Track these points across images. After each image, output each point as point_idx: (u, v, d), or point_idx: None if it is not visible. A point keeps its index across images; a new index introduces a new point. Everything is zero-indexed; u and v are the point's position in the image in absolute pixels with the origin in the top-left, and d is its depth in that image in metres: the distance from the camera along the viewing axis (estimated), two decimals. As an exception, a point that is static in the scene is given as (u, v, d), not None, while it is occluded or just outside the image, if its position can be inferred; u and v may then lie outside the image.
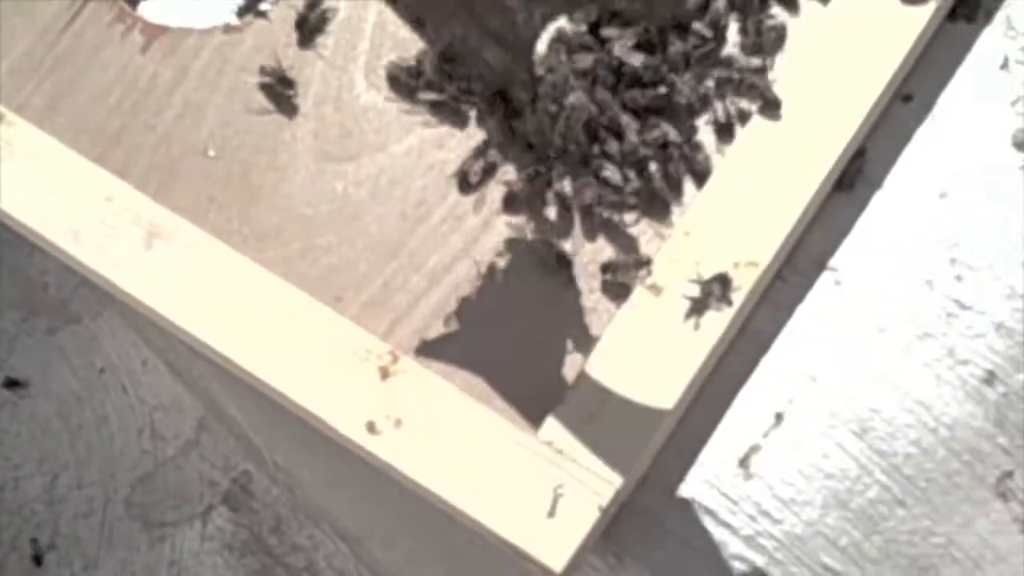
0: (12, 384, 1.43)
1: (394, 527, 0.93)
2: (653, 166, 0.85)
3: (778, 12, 0.88)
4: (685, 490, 0.82)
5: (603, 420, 0.80)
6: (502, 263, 0.86)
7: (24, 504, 1.40)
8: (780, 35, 0.87)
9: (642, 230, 0.85)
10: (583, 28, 0.87)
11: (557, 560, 0.77)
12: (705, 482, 0.82)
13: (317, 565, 1.36)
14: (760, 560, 0.80)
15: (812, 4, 0.88)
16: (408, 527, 0.91)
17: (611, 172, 0.84)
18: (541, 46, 0.87)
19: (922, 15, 0.86)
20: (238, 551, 1.38)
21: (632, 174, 0.85)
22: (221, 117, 0.91)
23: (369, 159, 0.89)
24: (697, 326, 0.81)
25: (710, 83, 0.87)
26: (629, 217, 0.85)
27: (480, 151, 0.87)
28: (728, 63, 0.87)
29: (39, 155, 0.90)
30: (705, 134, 0.86)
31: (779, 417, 0.82)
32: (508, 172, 0.87)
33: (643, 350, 0.81)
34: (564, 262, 0.85)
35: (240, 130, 0.91)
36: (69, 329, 1.44)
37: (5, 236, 0.92)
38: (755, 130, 0.86)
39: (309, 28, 0.91)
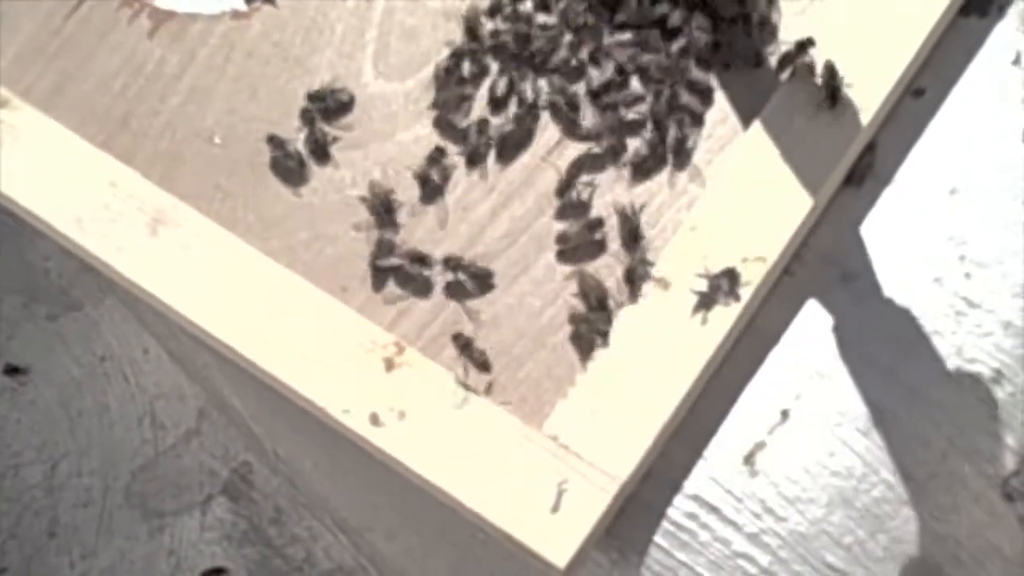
0: (12, 371, 1.43)
1: (396, 519, 0.92)
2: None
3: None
4: (689, 486, 0.81)
5: (608, 415, 0.80)
6: (509, 255, 0.85)
7: (23, 492, 1.40)
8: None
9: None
10: None
11: (561, 556, 0.77)
12: (710, 479, 0.81)
13: (315, 556, 1.37)
14: (764, 558, 0.80)
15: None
16: (410, 519, 0.91)
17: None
18: None
19: (935, 9, 0.86)
20: (237, 541, 1.38)
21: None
22: (228, 104, 0.91)
23: (377, 147, 0.89)
24: (704, 321, 0.81)
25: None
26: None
27: (435, 157, 0.87)
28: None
29: (44, 140, 0.90)
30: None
31: (785, 414, 0.82)
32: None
33: (650, 345, 0.81)
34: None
35: (246, 117, 0.90)
36: (70, 316, 1.44)
37: (7, 222, 0.92)
38: (765, 123, 0.85)
39: None
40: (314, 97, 0.89)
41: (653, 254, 0.83)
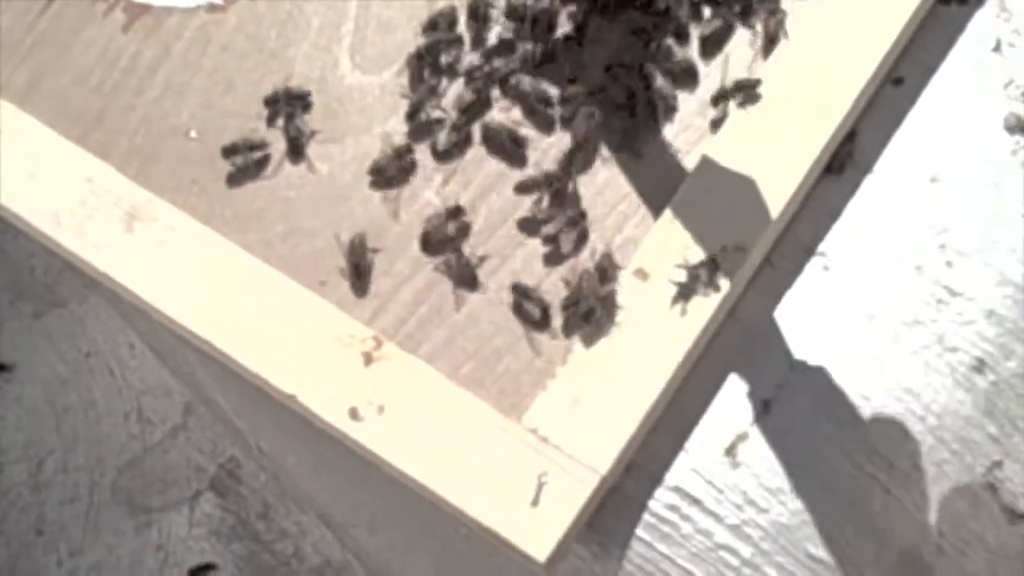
0: (-2, 368, 1.42)
1: (379, 513, 0.92)
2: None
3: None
4: (671, 478, 0.81)
5: (588, 407, 0.79)
6: (487, 247, 0.85)
7: (9, 489, 1.40)
8: None
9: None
10: None
11: (541, 550, 0.77)
12: (691, 470, 0.81)
13: (304, 551, 1.36)
14: (746, 550, 0.79)
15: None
16: (393, 514, 0.90)
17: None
18: None
19: (914, -4, 0.85)
20: (225, 537, 1.38)
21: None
22: (203, 98, 0.90)
23: (353, 141, 0.88)
24: (684, 311, 0.80)
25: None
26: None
27: (400, 153, 0.87)
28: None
29: (18, 136, 0.89)
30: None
31: (767, 405, 0.81)
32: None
33: (629, 336, 0.80)
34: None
35: (223, 111, 0.90)
36: (55, 313, 1.43)
37: (-11, 219, 0.92)
38: (744, 113, 0.84)
39: None
40: (269, 101, 0.88)
41: (632, 245, 0.83)
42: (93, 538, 1.40)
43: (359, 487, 0.92)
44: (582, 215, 0.84)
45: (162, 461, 1.42)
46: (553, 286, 0.83)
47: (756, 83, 0.84)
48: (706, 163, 0.84)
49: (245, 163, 0.87)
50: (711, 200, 0.83)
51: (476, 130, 0.87)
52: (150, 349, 1.01)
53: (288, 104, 0.88)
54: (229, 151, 0.88)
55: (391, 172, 0.86)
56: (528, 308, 0.82)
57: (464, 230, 0.85)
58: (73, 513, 1.41)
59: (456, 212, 0.85)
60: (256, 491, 1.40)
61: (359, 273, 0.84)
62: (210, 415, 1.34)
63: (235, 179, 0.88)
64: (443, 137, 0.86)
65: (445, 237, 0.84)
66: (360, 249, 0.84)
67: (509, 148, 0.86)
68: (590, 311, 0.81)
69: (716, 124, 0.85)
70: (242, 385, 0.85)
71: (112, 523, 1.41)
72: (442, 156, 0.87)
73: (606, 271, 0.82)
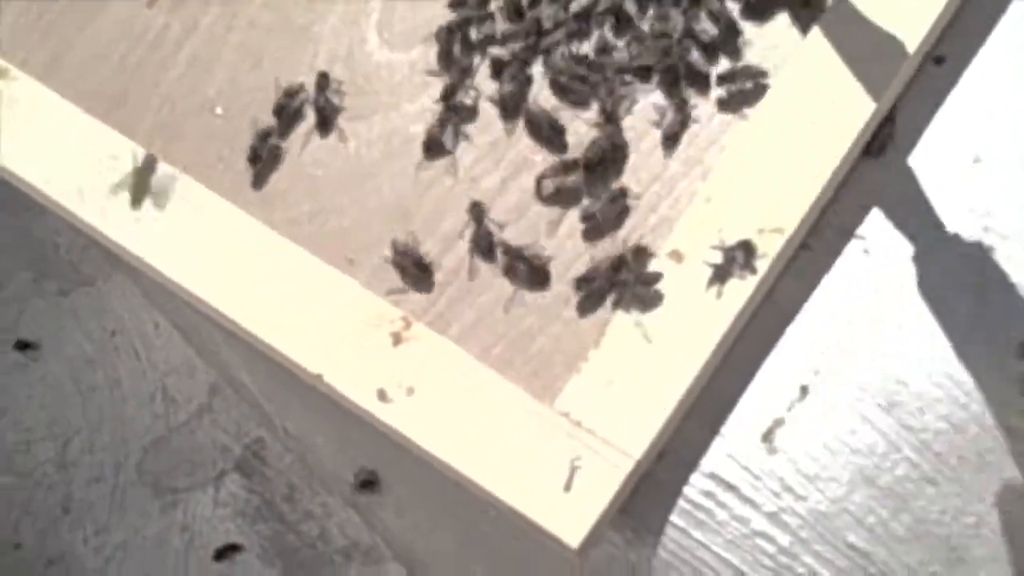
0: (24, 346, 1.42)
1: (405, 495, 0.92)
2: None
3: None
4: (706, 464, 0.80)
5: (622, 391, 0.78)
6: (519, 226, 0.83)
7: (35, 467, 1.40)
8: None
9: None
10: None
11: (574, 536, 0.75)
12: (727, 456, 0.80)
13: (330, 533, 1.36)
14: (784, 538, 0.78)
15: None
16: (419, 496, 0.90)
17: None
18: None
19: (957, -26, 0.83)
20: (251, 518, 1.37)
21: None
22: (230, 73, 0.89)
23: (382, 118, 0.87)
24: (720, 294, 0.79)
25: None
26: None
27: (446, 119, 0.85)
28: None
29: (43, 112, 0.89)
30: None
31: (804, 390, 0.80)
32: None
33: (664, 318, 0.79)
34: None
35: (248, 87, 0.89)
36: (80, 291, 1.43)
37: (15, 196, 0.91)
38: (782, 92, 0.83)
39: None
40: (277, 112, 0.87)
41: (666, 226, 0.81)
42: (119, 518, 1.40)
43: (385, 468, 0.91)
44: (623, 192, 0.82)
45: (187, 441, 1.42)
46: (586, 265, 0.82)
47: (764, 73, 0.83)
48: (743, 142, 0.82)
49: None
50: (748, 181, 0.81)
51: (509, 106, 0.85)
52: (175, 328, 1.01)
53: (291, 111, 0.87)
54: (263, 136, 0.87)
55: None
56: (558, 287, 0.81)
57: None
58: (99, 493, 1.41)
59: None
60: (281, 472, 1.40)
61: (423, 268, 0.82)
62: (236, 396, 1.33)
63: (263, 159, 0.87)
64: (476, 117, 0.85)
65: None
66: (414, 246, 0.83)
67: (548, 134, 0.84)
68: (620, 291, 0.79)
69: (724, 104, 0.83)
70: (269, 366, 0.85)
71: (138, 503, 1.40)
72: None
73: (641, 252, 0.80)
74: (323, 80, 0.87)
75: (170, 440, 1.40)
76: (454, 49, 0.86)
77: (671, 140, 0.83)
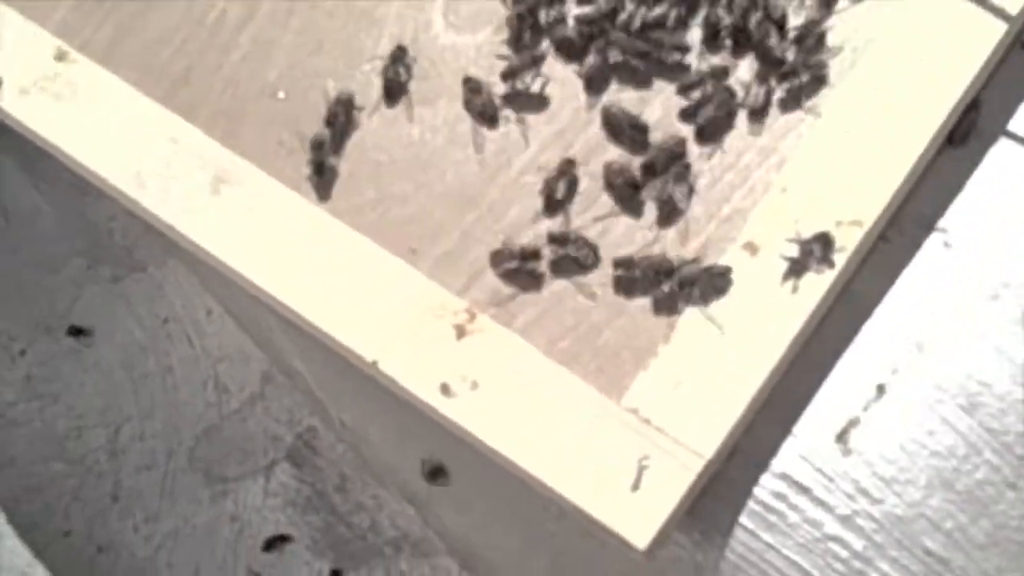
0: (77, 332, 1.42)
1: (466, 491, 0.91)
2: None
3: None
4: (778, 465, 0.78)
5: (692, 388, 0.76)
6: (587, 216, 0.81)
7: (87, 454, 1.40)
8: None
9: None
10: None
11: (642, 537, 0.74)
12: (800, 457, 0.78)
13: (381, 524, 1.35)
14: (858, 542, 0.76)
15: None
16: (479, 492, 0.90)
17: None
18: None
19: (1045, -45, 0.81)
20: (301, 508, 1.37)
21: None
22: (291, 57, 0.88)
23: (447, 103, 0.85)
24: (795, 289, 0.77)
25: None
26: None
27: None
28: None
29: (103, 95, 0.88)
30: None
31: (881, 389, 0.78)
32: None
33: (737, 313, 0.77)
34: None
35: (310, 72, 0.87)
36: (134, 277, 1.43)
37: (71, 180, 0.90)
38: (861, 79, 0.80)
39: None
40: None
41: (740, 216, 0.79)
42: (169, 506, 1.40)
43: (446, 462, 0.91)
44: (686, 166, 0.80)
45: (239, 430, 1.41)
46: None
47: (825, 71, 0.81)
48: (820, 131, 0.80)
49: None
50: (825, 171, 0.79)
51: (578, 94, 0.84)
52: (229, 315, 1.00)
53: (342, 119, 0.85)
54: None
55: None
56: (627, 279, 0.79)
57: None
58: (149, 480, 1.41)
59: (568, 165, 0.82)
60: (333, 463, 1.39)
61: (534, 276, 0.80)
62: (288, 384, 1.33)
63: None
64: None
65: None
66: (515, 248, 0.81)
67: (631, 135, 0.82)
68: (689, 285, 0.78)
69: (785, 104, 0.81)
70: (326, 356, 0.83)
71: (188, 491, 1.40)
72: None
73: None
74: (399, 52, 0.85)
75: (222, 428, 1.40)
76: (525, 36, 0.84)
77: (758, 114, 0.81)
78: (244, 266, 0.83)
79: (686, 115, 0.82)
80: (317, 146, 0.84)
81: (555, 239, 0.80)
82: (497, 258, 0.81)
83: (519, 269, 0.80)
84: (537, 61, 0.84)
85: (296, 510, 1.38)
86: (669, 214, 0.80)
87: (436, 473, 0.91)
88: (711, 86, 0.81)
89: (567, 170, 0.81)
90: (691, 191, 0.80)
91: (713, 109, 0.81)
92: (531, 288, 0.80)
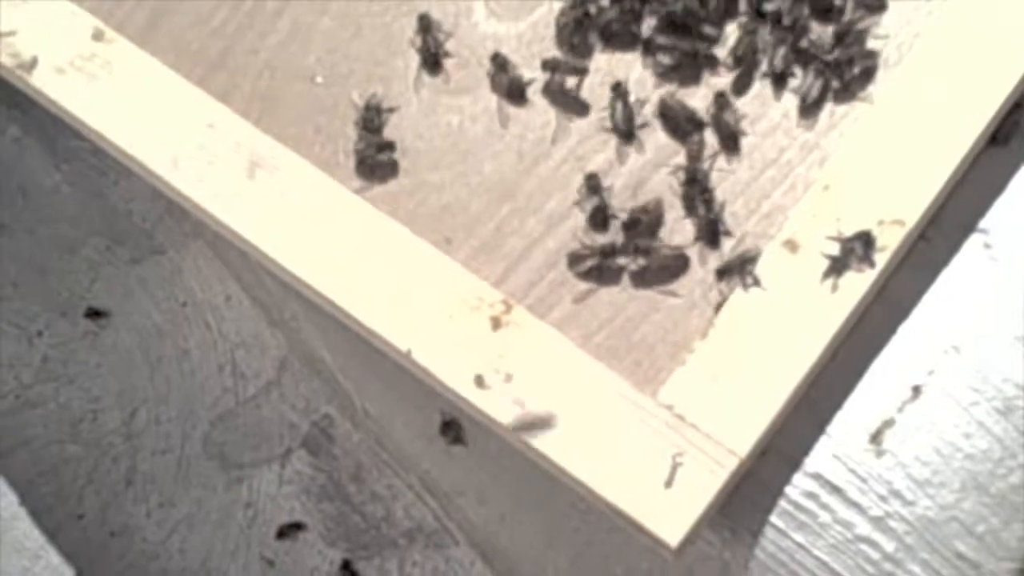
0: (94, 314, 1.41)
1: (490, 484, 0.90)
2: None
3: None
4: (810, 464, 0.78)
5: (728, 385, 0.76)
6: (627, 207, 0.81)
7: (102, 437, 1.39)
8: None
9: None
10: None
11: (673, 534, 0.73)
12: (833, 457, 0.78)
13: (395, 515, 1.34)
14: (889, 544, 0.75)
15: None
16: (505, 484, 0.89)
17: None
18: None
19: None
20: (316, 496, 1.36)
21: None
22: (330, 42, 0.87)
23: (486, 92, 0.85)
24: (835, 287, 0.76)
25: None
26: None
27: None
28: None
29: (139, 76, 0.87)
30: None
31: (917, 390, 0.78)
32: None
33: (774, 311, 0.77)
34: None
35: (349, 56, 0.87)
36: (152, 260, 1.42)
37: (91, 161, 0.90)
38: (905, 77, 0.80)
39: None
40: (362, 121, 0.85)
41: (780, 213, 0.78)
42: (183, 491, 1.39)
43: (470, 455, 0.90)
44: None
45: (255, 416, 1.40)
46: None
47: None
48: (863, 128, 0.79)
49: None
50: (868, 169, 0.78)
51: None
52: (249, 301, 0.99)
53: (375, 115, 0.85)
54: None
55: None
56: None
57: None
58: (164, 465, 1.40)
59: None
60: (349, 452, 1.38)
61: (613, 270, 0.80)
62: (306, 371, 1.32)
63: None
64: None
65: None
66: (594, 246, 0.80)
67: (687, 128, 0.81)
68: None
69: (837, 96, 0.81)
70: (352, 343, 0.83)
71: (203, 477, 1.39)
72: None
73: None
74: (425, 21, 0.84)
75: (238, 414, 1.39)
76: (574, 38, 0.84)
77: (812, 108, 0.80)
78: (277, 251, 0.82)
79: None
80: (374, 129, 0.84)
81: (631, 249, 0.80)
82: (575, 259, 0.80)
83: (599, 266, 0.79)
84: (582, 72, 0.83)
85: (310, 498, 1.37)
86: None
87: (449, 428, 0.89)
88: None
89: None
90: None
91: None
92: (612, 283, 0.79)
